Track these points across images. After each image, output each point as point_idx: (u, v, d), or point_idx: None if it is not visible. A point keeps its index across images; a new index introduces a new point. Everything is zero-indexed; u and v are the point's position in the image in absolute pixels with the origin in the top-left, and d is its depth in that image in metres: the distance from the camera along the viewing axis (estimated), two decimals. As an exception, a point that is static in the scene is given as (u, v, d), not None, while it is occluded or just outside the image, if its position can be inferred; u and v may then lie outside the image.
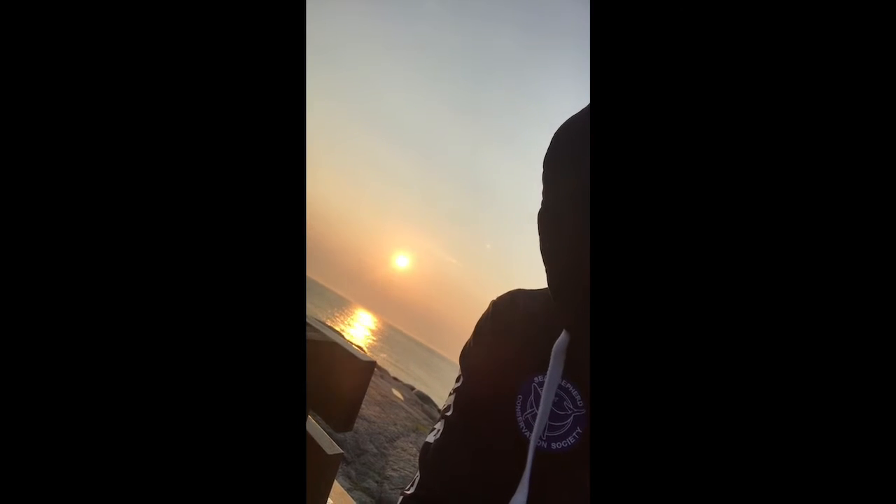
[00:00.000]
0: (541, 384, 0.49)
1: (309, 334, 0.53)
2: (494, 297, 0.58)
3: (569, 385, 0.48)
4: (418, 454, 0.56)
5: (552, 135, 0.49)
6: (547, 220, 0.49)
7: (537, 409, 0.48)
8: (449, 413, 0.55)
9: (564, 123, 0.48)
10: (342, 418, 0.51)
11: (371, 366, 0.51)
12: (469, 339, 0.58)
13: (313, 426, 0.53)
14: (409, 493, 0.53)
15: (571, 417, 0.47)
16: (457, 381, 0.57)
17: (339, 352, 0.52)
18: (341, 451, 0.51)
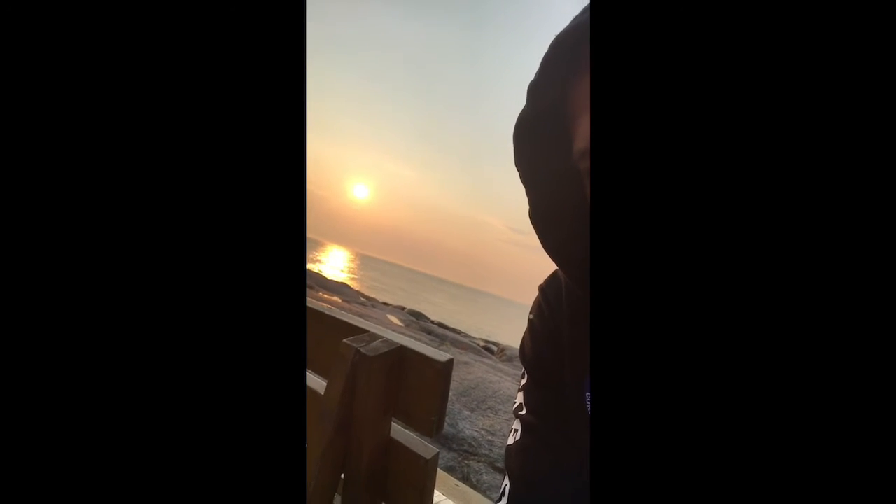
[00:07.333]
0: None
1: (377, 343, 0.49)
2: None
3: None
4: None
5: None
6: (539, 219, 0.47)
7: None
8: (522, 412, 0.53)
9: (519, 122, 0.43)
10: (428, 423, 0.49)
11: (449, 365, 0.48)
12: (525, 332, 0.56)
13: (401, 433, 0.52)
14: None
15: None
16: (522, 377, 0.55)
17: (413, 356, 0.49)
18: (436, 449, 0.50)
